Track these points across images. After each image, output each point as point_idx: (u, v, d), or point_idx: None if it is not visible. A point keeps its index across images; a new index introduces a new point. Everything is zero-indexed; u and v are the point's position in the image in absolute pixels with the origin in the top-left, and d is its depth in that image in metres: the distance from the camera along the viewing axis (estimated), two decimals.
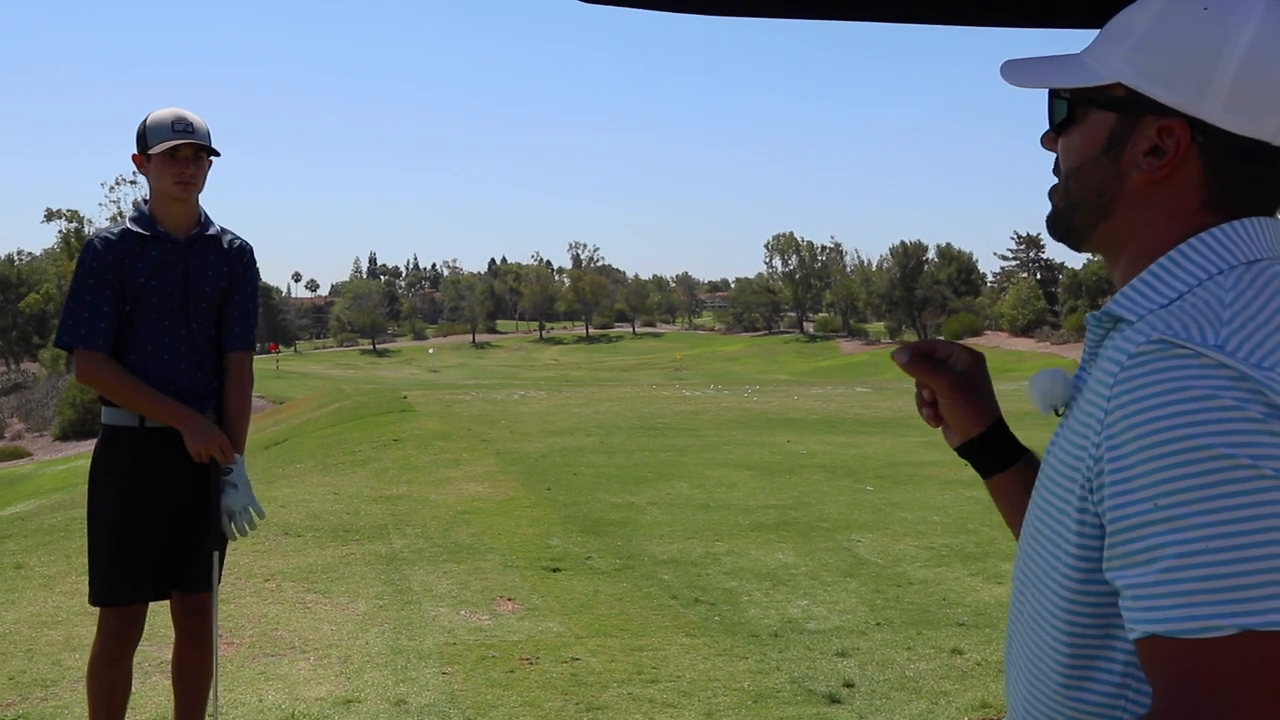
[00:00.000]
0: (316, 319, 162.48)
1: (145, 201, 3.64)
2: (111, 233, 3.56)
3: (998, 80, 1.22)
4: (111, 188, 67.53)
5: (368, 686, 4.79)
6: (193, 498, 3.59)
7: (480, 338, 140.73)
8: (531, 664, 5.12)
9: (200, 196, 3.59)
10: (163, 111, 3.51)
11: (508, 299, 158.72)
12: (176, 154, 3.46)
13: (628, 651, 5.36)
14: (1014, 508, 1.41)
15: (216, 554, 3.68)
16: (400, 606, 6.14)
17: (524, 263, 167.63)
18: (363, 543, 7.96)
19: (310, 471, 12.78)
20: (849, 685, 4.90)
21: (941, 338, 1.50)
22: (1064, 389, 1.19)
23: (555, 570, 7.12)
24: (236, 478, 3.57)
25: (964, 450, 1.43)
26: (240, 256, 3.71)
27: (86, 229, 66.52)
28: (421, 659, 5.18)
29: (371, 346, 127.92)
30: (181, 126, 3.45)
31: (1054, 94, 1.19)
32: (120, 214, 63.37)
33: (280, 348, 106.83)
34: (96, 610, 3.63)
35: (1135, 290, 1.10)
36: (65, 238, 67.40)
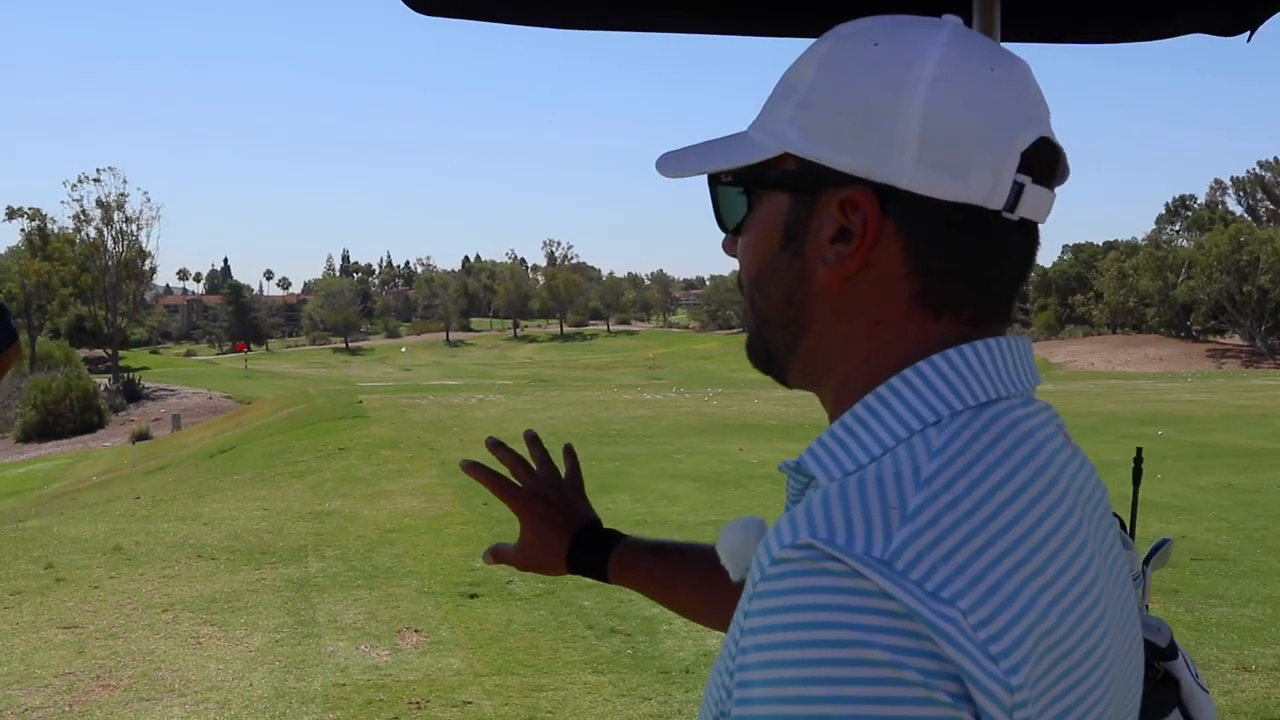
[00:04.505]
0: (288, 317, 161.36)
1: None
2: None
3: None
4: (74, 185, 66.69)
5: None
6: None
7: (454, 335, 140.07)
8: (419, 708, 4.86)
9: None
10: None
11: (482, 297, 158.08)
12: None
13: (526, 692, 5.10)
14: (662, 584, 1.35)
15: None
16: (298, 640, 5.86)
17: (498, 260, 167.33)
18: (277, 566, 7.67)
19: (246, 484, 12.45)
20: None
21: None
22: (756, 549, 0.91)
23: (472, 596, 6.85)
24: None
25: (575, 566, 1.37)
26: None
27: (50, 227, 65.67)
28: (305, 703, 4.91)
29: (344, 345, 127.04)
30: None
31: (717, 184, 0.90)
32: (84, 212, 62.66)
33: (250, 347, 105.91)
34: None
35: (833, 440, 0.81)
36: (28, 236, 66.55)
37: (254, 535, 8.81)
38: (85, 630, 6.06)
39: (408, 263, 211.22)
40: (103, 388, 51.75)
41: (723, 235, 0.94)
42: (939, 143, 0.77)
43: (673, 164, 0.93)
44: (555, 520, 1.37)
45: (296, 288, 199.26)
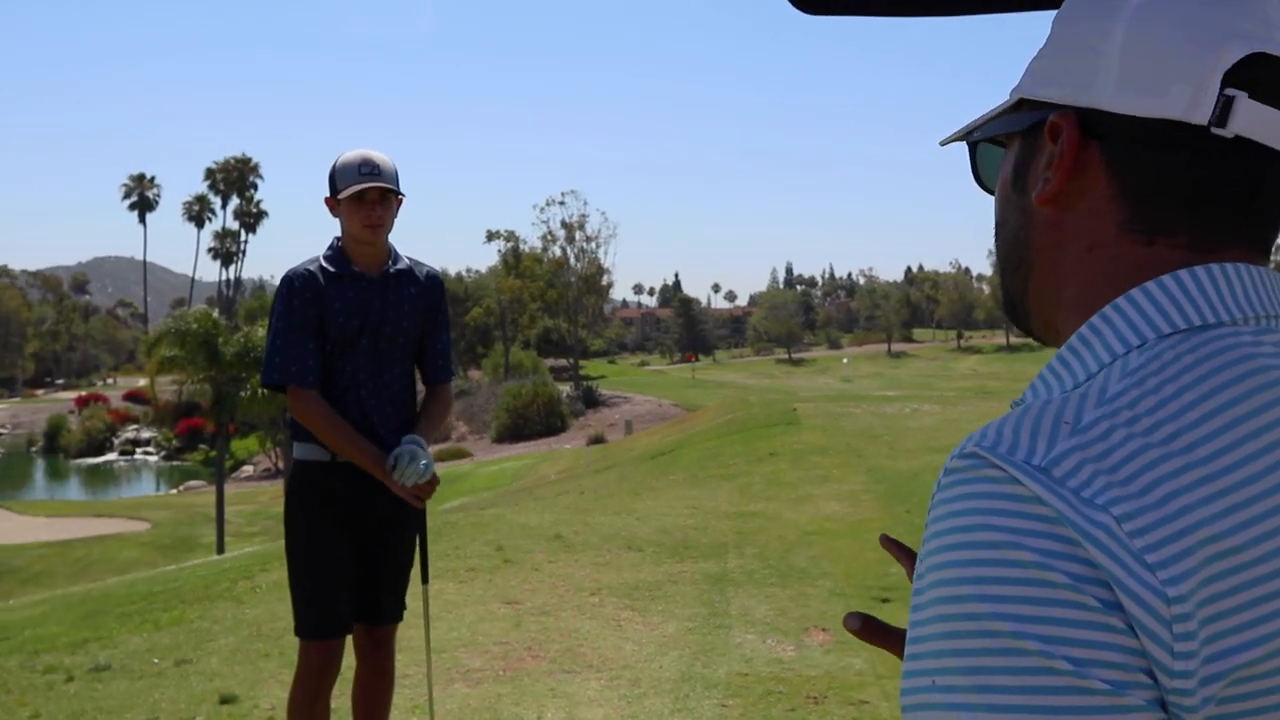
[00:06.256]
0: (734, 329, 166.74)
1: (338, 240, 3.58)
2: (307, 270, 3.50)
3: None
4: (541, 209, 72.65)
5: (643, 713, 4.78)
6: (381, 531, 3.57)
7: (896, 347, 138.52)
8: (816, 703, 4.91)
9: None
10: (351, 154, 3.46)
11: (924, 307, 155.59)
12: (364, 197, 3.42)
13: None
14: None
15: (425, 588, 3.74)
16: (708, 630, 6.10)
17: (941, 270, 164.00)
18: (698, 560, 8.01)
19: (680, 484, 13.07)
20: None
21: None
22: None
23: (884, 601, 6.81)
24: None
25: None
26: (434, 286, 3.68)
27: (521, 247, 71.97)
28: (708, 688, 5.10)
29: (787, 355, 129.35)
30: (368, 169, 3.40)
31: (975, 148, 0.98)
32: (550, 233, 68.16)
33: (698, 357, 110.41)
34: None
35: (1050, 371, 0.82)
36: (504, 256, 73.40)
37: (680, 531, 9.25)
38: (523, 606, 6.64)
39: (850, 274, 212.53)
40: (565, 394, 56.03)
41: None
42: (1138, 62, 0.78)
43: (951, 136, 0.99)
44: None
45: (742, 300, 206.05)
